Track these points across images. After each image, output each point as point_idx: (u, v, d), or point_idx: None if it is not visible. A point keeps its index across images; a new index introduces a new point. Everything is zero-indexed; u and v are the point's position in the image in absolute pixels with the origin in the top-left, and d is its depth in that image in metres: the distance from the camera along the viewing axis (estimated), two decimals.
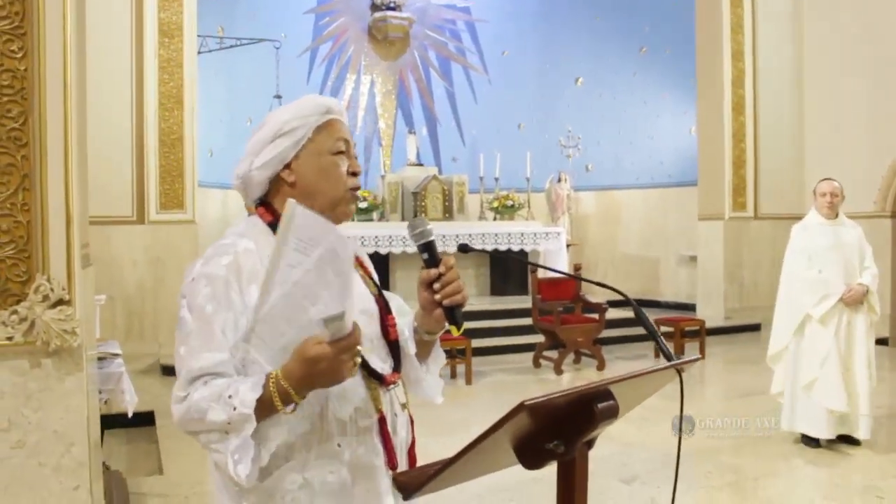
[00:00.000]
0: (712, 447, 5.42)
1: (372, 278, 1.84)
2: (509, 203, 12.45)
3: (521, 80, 14.61)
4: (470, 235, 10.67)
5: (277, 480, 1.58)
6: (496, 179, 12.49)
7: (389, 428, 1.69)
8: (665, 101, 13.74)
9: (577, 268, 10.30)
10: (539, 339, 8.87)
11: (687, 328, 9.13)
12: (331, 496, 1.60)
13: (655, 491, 4.69)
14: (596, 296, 9.39)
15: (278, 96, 11.55)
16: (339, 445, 1.61)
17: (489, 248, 10.85)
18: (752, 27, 11.29)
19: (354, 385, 1.61)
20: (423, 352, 1.83)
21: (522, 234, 11.32)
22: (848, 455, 5.34)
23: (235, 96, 11.96)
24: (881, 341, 5.74)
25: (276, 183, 1.73)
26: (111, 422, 5.67)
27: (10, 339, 2.81)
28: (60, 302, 2.85)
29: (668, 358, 1.62)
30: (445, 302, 1.68)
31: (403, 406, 1.77)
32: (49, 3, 2.81)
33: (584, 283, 9.18)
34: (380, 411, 1.67)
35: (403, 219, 11.85)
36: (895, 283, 9.42)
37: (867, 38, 10.20)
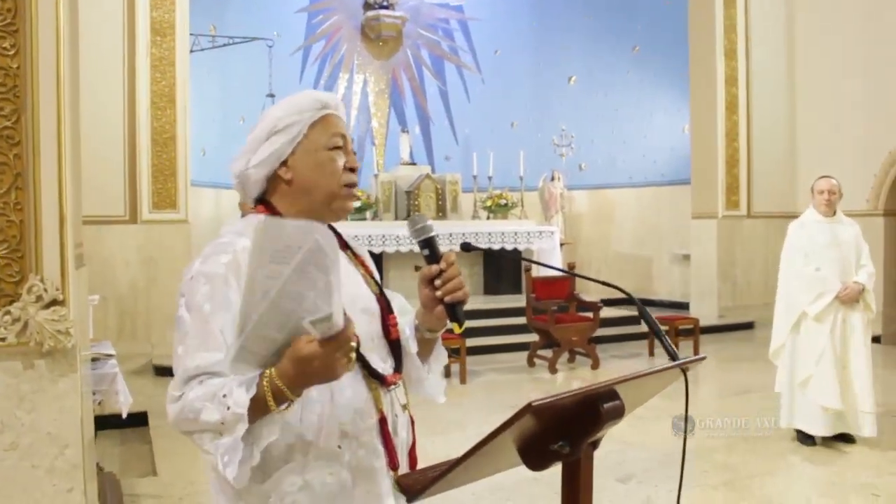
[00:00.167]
0: (708, 446, 5.42)
1: (373, 277, 1.82)
2: (503, 202, 12.44)
3: (515, 78, 14.60)
4: (463, 234, 10.66)
5: (276, 482, 1.56)
6: (489, 178, 12.48)
7: (390, 429, 1.67)
8: (658, 100, 13.76)
9: (571, 266, 10.30)
10: (533, 338, 8.86)
11: (681, 327, 9.13)
12: (331, 498, 1.58)
13: (652, 490, 4.68)
14: (590, 294, 9.38)
15: (271, 95, 11.52)
16: (339, 447, 1.59)
17: (482, 246, 10.84)
18: (744, 26, 11.30)
19: (355, 386, 1.59)
20: (425, 350, 1.81)
21: (516, 233, 11.30)
22: (844, 453, 5.34)
23: (228, 95, 11.92)
24: (874, 339, 5.74)
25: (273, 181, 1.70)
26: (103, 422, 5.62)
27: (2, 339, 2.78)
28: (54, 302, 2.82)
29: (673, 357, 1.61)
30: (447, 299, 1.66)
31: (404, 407, 1.75)
32: (42, 0, 2.78)
33: (577, 282, 9.18)
34: (380, 412, 1.65)
35: (397, 218, 11.84)
36: (887, 281, 9.45)
37: (860, 38, 10.23)
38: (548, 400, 1.27)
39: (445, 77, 14.72)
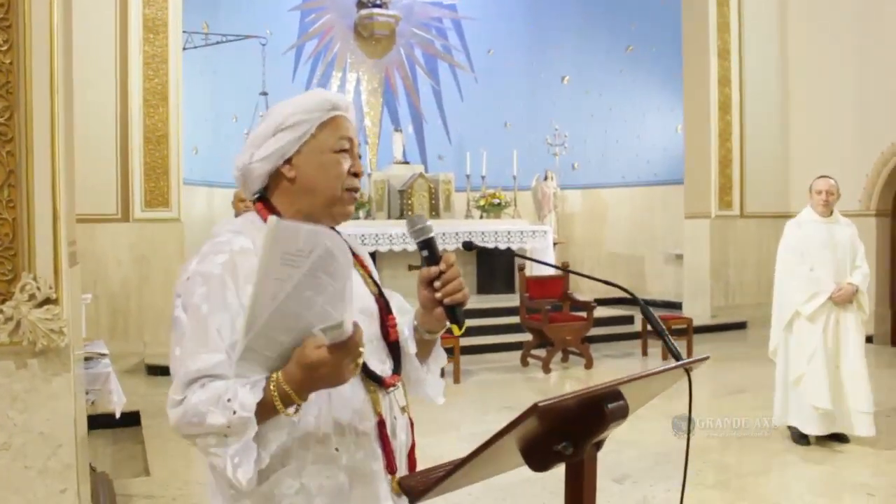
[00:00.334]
0: (703, 445, 5.41)
1: (372, 277, 1.80)
2: (496, 201, 12.42)
3: (508, 78, 14.59)
4: (457, 234, 10.64)
5: (273, 485, 1.54)
6: (483, 178, 12.47)
7: (389, 431, 1.65)
8: (652, 99, 13.77)
9: (565, 266, 10.28)
10: (527, 337, 8.86)
11: (674, 326, 9.14)
12: (328, 501, 1.56)
13: (647, 490, 4.68)
14: (583, 294, 9.38)
15: (264, 93, 11.47)
16: (336, 450, 1.57)
17: (483, 246, 10.81)
18: (738, 26, 11.32)
19: (353, 388, 1.57)
20: (424, 351, 1.79)
21: (509, 233, 11.29)
22: (838, 452, 5.36)
23: (221, 93, 11.88)
24: (866, 339, 5.76)
25: (275, 177, 1.68)
26: (95, 422, 5.57)
27: None
28: (47, 301, 2.79)
29: (677, 357, 1.59)
30: (446, 300, 1.64)
31: (403, 409, 1.73)
32: None
33: (571, 282, 9.18)
34: (379, 414, 1.63)
35: (390, 217, 11.82)
36: (880, 281, 9.49)
37: (852, 38, 10.26)
38: (553, 401, 1.25)
39: (439, 76, 14.69)
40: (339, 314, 1.33)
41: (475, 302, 10.73)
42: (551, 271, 9.88)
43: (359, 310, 1.66)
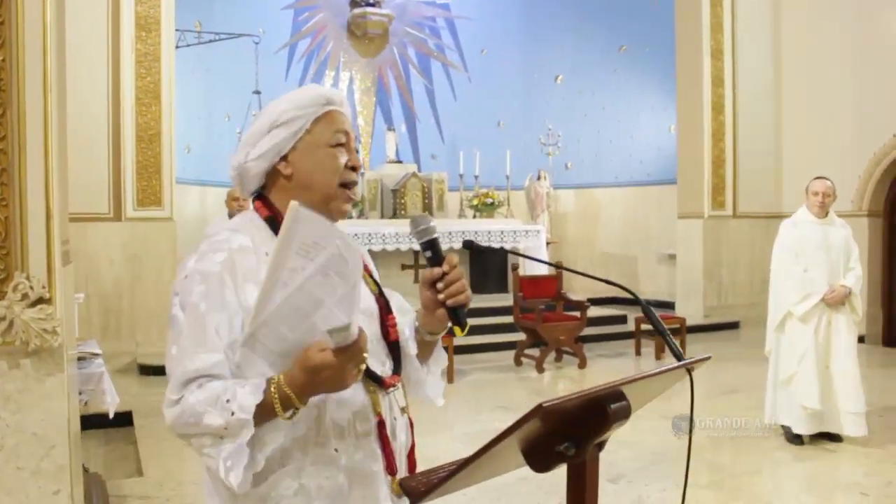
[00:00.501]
0: (696, 445, 5.37)
1: (372, 276, 1.79)
2: (489, 201, 12.40)
3: (501, 77, 14.58)
4: (450, 233, 10.62)
5: (272, 486, 1.52)
6: (476, 177, 12.45)
7: (388, 432, 1.64)
8: (645, 99, 13.77)
9: (559, 265, 10.26)
10: (520, 336, 8.86)
11: (667, 326, 9.10)
12: (327, 502, 1.55)
13: (642, 489, 4.68)
14: (577, 293, 9.38)
15: (257, 92, 11.43)
16: (336, 450, 1.55)
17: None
18: (731, 27, 11.34)
19: (353, 388, 1.55)
20: (425, 352, 1.78)
21: (502, 232, 11.27)
22: (831, 452, 5.37)
23: (213, 92, 11.82)
24: (858, 339, 5.79)
25: (272, 175, 1.67)
26: (87, 422, 5.55)
27: None
28: (40, 301, 2.76)
29: (679, 357, 1.59)
30: (449, 302, 1.63)
31: (403, 409, 1.72)
32: None
33: (564, 281, 9.18)
34: (378, 415, 1.62)
35: (383, 216, 11.80)
36: (871, 281, 9.51)
37: (846, 39, 10.28)
38: (558, 401, 1.24)
39: (432, 75, 14.67)
40: (346, 317, 1.32)
41: None
42: (545, 270, 9.88)
43: (359, 310, 1.65)
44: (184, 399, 1.44)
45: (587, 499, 1.46)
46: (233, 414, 1.38)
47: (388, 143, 13.00)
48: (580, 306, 8.56)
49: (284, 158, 1.64)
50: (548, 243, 12.15)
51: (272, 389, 1.38)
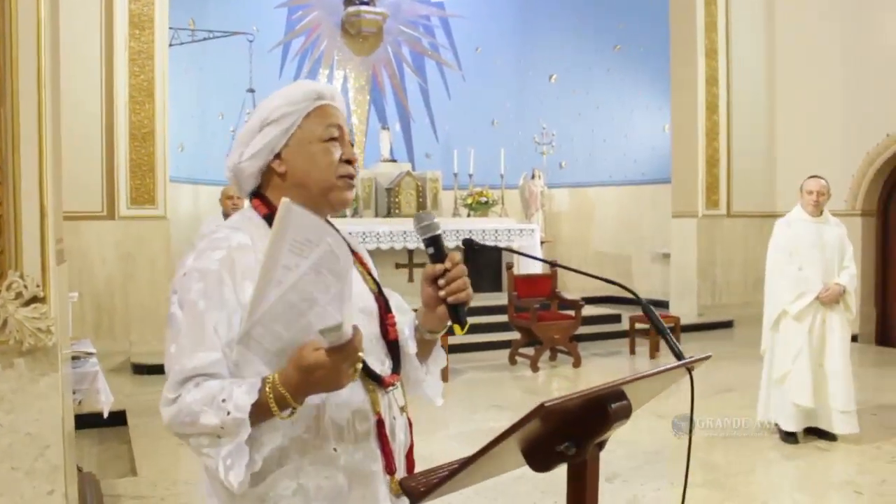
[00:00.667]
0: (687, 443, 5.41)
1: (371, 275, 1.77)
2: (483, 200, 12.40)
3: (495, 76, 14.58)
4: (444, 232, 10.60)
5: (270, 486, 1.51)
6: (470, 176, 12.45)
7: (388, 431, 1.63)
8: (639, 98, 13.79)
9: (556, 263, 10.27)
10: (514, 335, 8.85)
11: None
12: (326, 502, 1.54)
13: (638, 488, 4.68)
14: (571, 292, 9.38)
15: (251, 90, 11.41)
16: (335, 450, 1.54)
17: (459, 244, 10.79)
18: (725, 26, 11.35)
19: (352, 387, 1.54)
20: (424, 351, 1.77)
21: (496, 231, 11.28)
22: (825, 451, 5.38)
23: (207, 90, 11.80)
24: (851, 338, 5.80)
25: (267, 174, 1.66)
26: (80, 422, 5.52)
27: None
28: (34, 299, 2.74)
29: (679, 357, 1.58)
30: (450, 299, 1.62)
31: (402, 409, 1.71)
32: None
33: (559, 280, 9.18)
34: (378, 414, 1.61)
35: (377, 215, 11.79)
36: (865, 280, 9.53)
37: (839, 38, 10.31)
38: (559, 401, 1.23)
39: (426, 74, 14.66)
40: (338, 316, 1.30)
41: None
42: (540, 269, 9.89)
43: (359, 308, 1.64)
44: (181, 398, 1.43)
45: (587, 498, 1.45)
46: (228, 414, 1.37)
47: (383, 141, 12.99)
48: (575, 305, 8.56)
49: (278, 156, 1.63)
50: (542, 242, 12.15)
51: (267, 389, 1.37)
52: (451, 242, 9.94)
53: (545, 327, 8.37)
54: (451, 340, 8.05)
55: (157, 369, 7.00)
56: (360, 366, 1.39)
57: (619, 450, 5.19)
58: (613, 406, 1.37)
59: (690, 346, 9.36)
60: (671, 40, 11.71)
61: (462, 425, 6.19)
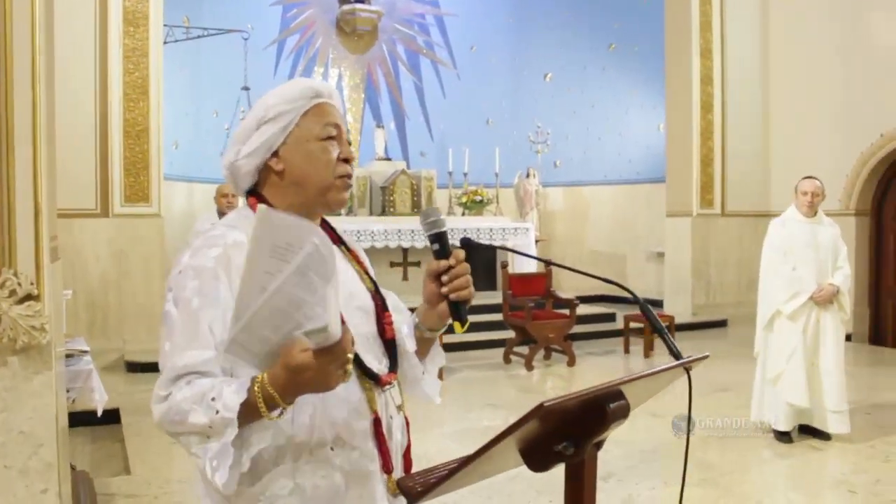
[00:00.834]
0: (684, 443, 5.41)
1: (368, 273, 1.77)
2: (478, 198, 12.40)
3: (490, 75, 14.58)
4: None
5: (266, 485, 1.50)
6: (465, 175, 12.44)
7: (384, 430, 1.62)
8: (634, 97, 13.80)
9: (553, 262, 10.27)
10: (509, 334, 8.85)
11: None
12: (322, 502, 1.53)
13: (633, 488, 4.68)
14: (565, 291, 9.39)
15: (246, 88, 11.38)
16: (331, 449, 1.53)
17: (455, 242, 10.77)
18: (720, 25, 11.36)
19: (348, 386, 1.53)
20: (423, 349, 1.76)
21: (491, 230, 11.28)
22: (820, 450, 5.39)
23: (201, 88, 11.77)
24: (845, 338, 5.82)
25: (264, 172, 1.65)
26: (73, 420, 5.50)
27: None
28: (28, 297, 2.73)
29: (677, 357, 1.58)
30: (452, 296, 1.62)
31: (399, 408, 1.70)
32: None
33: (553, 279, 9.18)
34: (374, 413, 1.60)
35: (371, 213, 11.78)
36: (859, 280, 9.56)
37: (833, 38, 10.32)
38: (558, 400, 1.23)
39: (421, 73, 14.65)
40: (324, 317, 1.29)
41: None
42: (534, 268, 9.89)
43: (355, 307, 1.63)
44: (171, 396, 1.42)
45: (585, 498, 1.45)
46: (217, 413, 1.35)
47: (377, 140, 12.98)
48: (569, 304, 8.57)
49: (275, 154, 1.62)
50: (536, 241, 12.15)
51: (256, 389, 1.35)
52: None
53: (540, 326, 8.37)
54: (446, 339, 8.00)
55: (151, 367, 6.98)
56: (350, 367, 1.37)
57: (614, 449, 5.19)
58: (612, 406, 1.37)
59: (685, 345, 9.28)
60: (666, 39, 11.73)
61: (457, 424, 6.19)
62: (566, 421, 1.35)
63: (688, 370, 1.55)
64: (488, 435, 1.28)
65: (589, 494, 1.45)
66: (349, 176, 1.67)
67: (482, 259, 11.47)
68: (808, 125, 10.70)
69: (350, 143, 1.72)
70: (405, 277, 10.84)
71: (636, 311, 9.57)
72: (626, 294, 1.80)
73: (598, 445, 1.47)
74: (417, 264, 10.96)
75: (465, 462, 1.30)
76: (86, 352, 4.40)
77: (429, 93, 14.62)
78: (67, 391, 3.91)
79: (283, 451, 1.50)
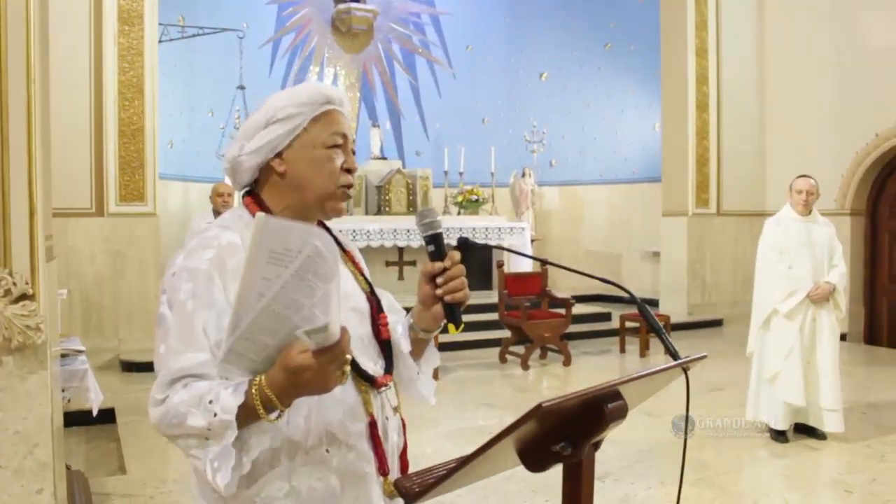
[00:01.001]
0: (681, 443, 5.42)
1: (363, 274, 1.76)
2: (473, 198, 12.39)
3: (486, 74, 14.57)
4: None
5: (262, 487, 1.50)
6: (460, 174, 12.43)
7: (380, 432, 1.62)
8: (630, 97, 13.81)
9: (549, 262, 10.29)
10: (505, 334, 8.85)
11: None
12: None
13: (629, 487, 4.68)
14: (561, 291, 9.39)
15: (241, 87, 11.37)
16: (327, 451, 1.53)
17: (453, 241, 10.78)
18: (716, 25, 11.38)
19: (344, 388, 1.52)
20: (418, 350, 1.76)
21: (487, 229, 11.27)
22: (816, 449, 5.40)
23: (197, 87, 11.74)
24: (840, 337, 5.83)
25: (265, 171, 1.64)
26: (69, 419, 5.49)
27: None
28: (23, 297, 2.71)
29: (674, 357, 1.58)
30: (447, 298, 1.62)
31: (395, 409, 1.70)
32: None
33: (549, 279, 9.18)
34: (370, 415, 1.60)
35: (367, 213, 11.77)
36: (854, 280, 9.58)
37: (829, 38, 10.35)
38: (557, 401, 1.23)
39: (416, 72, 14.63)
40: (324, 317, 1.29)
41: None
42: (530, 268, 9.89)
43: (350, 308, 1.63)
44: (168, 399, 1.42)
45: (582, 498, 1.45)
46: (215, 415, 1.35)
47: (373, 139, 12.96)
48: (565, 303, 8.57)
49: (279, 155, 1.61)
50: (532, 241, 12.15)
51: (253, 391, 1.34)
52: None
53: (535, 325, 8.37)
54: (441, 339, 8.00)
55: (146, 367, 6.98)
56: (348, 369, 1.37)
57: (610, 449, 5.15)
58: (610, 406, 1.37)
59: (680, 344, 9.27)
60: (662, 39, 11.73)
61: (452, 423, 6.18)
62: (564, 421, 1.35)
63: (686, 370, 1.54)
64: (484, 434, 1.28)
65: (587, 494, 1.45)
66: (350, 186, 1.67)
67: (478, 258, 11.47)
68: (804, 125, 10.71)
69: (354, 153, 1.71)
70: (401, 277, 10.84)
71: (632, 310, 9.59)
72: (622, 293, 1.80)
73: (596, 446, 1.47)
74: (413, 264, 10.96)
75: (463, 463, 1.30)
76: (81, 351, 4.39)
77: (424, 92, 14.60)
78: (63, 391, 3.90)
79: (279, 453, 1.50)
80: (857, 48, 10.01)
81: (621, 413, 1.39)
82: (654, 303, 11.67)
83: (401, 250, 10.92)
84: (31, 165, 2.72)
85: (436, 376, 1.83)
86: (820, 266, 5.57)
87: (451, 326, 1.65)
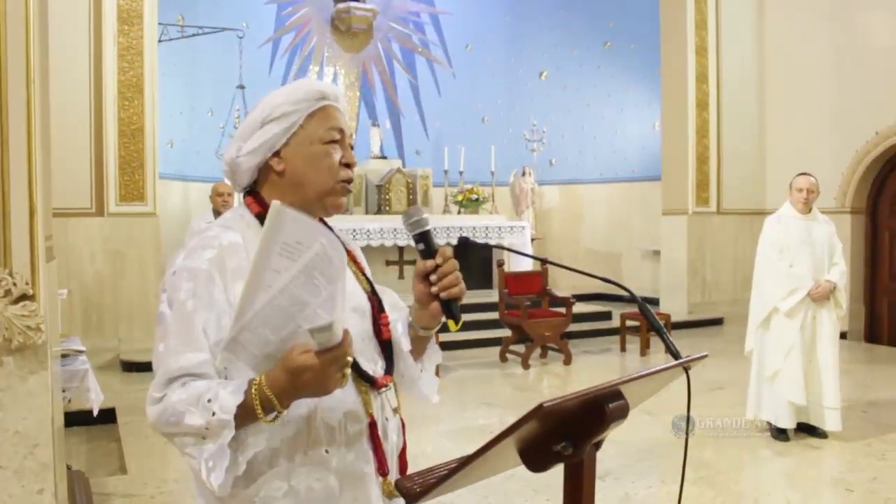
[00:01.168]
0: (681, 442, 5.42)
1: (364, 274, 1.76)
2: (473, 197, 12.39)
3: (486, 73, 14.57)
4: (434, 229, 10.58)
5: (261, 487, 1.50)
6: (460, 173, 12.43)
7: (380, 433, 1.62)
8: (629, 96, 13.81)
9: (550, 263, 10.29)
10: (505, 333, 8.85)
11: None
12: None
13: (629, 486, 4.68)
14: (562, 290, 9.39)
15: (241, 86, 11.36)
16: (326, 451, 1.53)
17: (453, 241, 10.78)
18: (715, 23, 11.37)
19: (344, 389, 1.51)
20: (418, 349, 1.76)
21: (487, 228, 11.26)
22: (816, 448, 5.40)
23: (196, 87, 11.74)
24: (840, 335, 5.83)
25: (264, 171, 1.64)
26: (69, 420, 5.49)
27: None
28: (24, 297, 2.71)
29: (675, 356, 1.58)
30: (442, 295, 1.61)
31: (395, 410, 1.70)
32: None
33: (549, 278, 9.18)
34: (370, 415, 1.60)
35: (367, 212, 11.77)
36: (854, 278, 9.57)
37: (829, 37, 10.34)
38: (558, 401, 1.22)
39: (416, 71, 14.63)
40: (328, 316, 1.29)
41: None
42: (530, 267, 9.89)
43: (351, 308, 1.63)
44: (166, 397, 1.42)
45: (584, 498, 1.44)
46: (213, 414, 1.35)
47: (373, 138, 12.96)
48: (565, 302, 8.57)
49: (277, 154, 1.61)
50: (532, 240, 12.15)
51: (253, 391, 1.35)
52: (443, 240, 9.93)
53: (536, 324, 8.37)
54: (441, 338, 7.99)
55: (147, 367, 6.95)
56: (348, 372, 1.37)
57: (610, 448, 5.15)
58: (611, 406, 1.37)
59: (680, 343, 9.25)
60: (661, 37, 11.72)
61: (452, 422, 6.18)
62: (565, 421, 1.35)
63: (687, 370, 1.54)
64: (484, 433, 1.27)
65: (588, 494, 1.45)
66: (350, 181, 1.67)
67: (478, 258, 11.46)
68: (804, 123, 10.71)
69: (352, 147, 1.71)
70: (401, 276, 10.83)
71: (633, 309, 9.59)
72: (622, 292, 1.80)
73: (597, 445, 1.47)
74: (413, 263, 10.92)
75: (465, 463, 1.30)
76: (81, 351, 4.38)
77: (424, 91, 14.60)
78: (63, 391, 3.90)
79: (278, 453, 1.50)
80: (857, 47, 10.01)
81: (622, 413, 1.39)
82: (654, 302, 11.67)
83: (401, 249, 10.91)
84: (31, 165, 2.72)
85: (437, 374, 1.83)
86: (820, 264, 5.57)
87: (450, 323, 1.64)
